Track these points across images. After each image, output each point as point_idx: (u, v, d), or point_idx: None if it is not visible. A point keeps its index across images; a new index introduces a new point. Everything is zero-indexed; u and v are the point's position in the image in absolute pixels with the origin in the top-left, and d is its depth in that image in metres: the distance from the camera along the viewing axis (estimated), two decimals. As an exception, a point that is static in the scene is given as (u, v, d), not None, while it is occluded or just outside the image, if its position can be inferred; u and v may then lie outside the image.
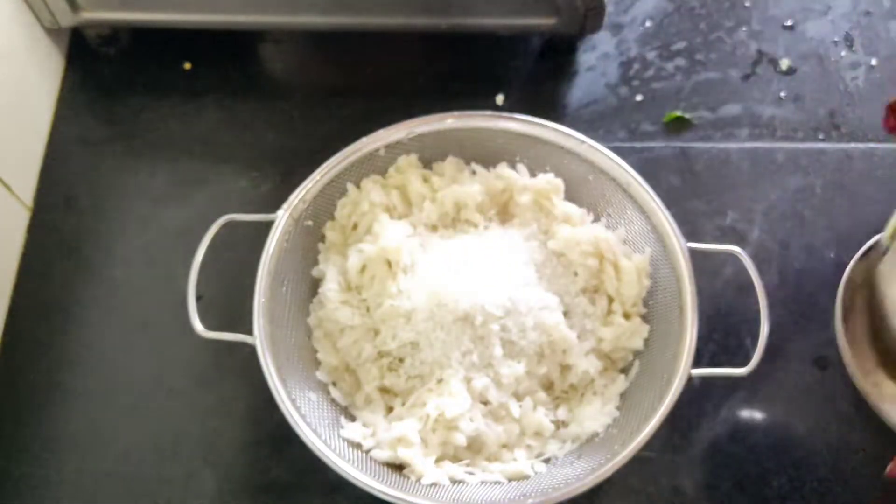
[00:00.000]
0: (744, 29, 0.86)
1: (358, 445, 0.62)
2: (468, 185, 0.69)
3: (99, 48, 0.86)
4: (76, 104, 0.84)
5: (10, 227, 0.76)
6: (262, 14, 0.79)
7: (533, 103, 0.81)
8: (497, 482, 0.61)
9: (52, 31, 0.83)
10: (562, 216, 0.68)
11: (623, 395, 0.64)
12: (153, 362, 0.71)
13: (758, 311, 0.61)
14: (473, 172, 0.71)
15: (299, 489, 0.66)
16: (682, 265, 0.63)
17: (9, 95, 0.76)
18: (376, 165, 0.70)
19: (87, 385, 0.71)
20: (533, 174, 0.70)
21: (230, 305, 0.66)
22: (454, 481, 0.60)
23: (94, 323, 0.73)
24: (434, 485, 0.59)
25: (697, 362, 0.60)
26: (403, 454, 0.60)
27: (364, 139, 0.68)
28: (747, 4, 0.88)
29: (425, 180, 0.70)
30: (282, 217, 0.65)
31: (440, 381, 0.62)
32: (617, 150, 0.67)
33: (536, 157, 0.70)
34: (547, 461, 0.63)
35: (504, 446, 0.63)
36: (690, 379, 0.59)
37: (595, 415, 0.63)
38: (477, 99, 0.81)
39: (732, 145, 0.80)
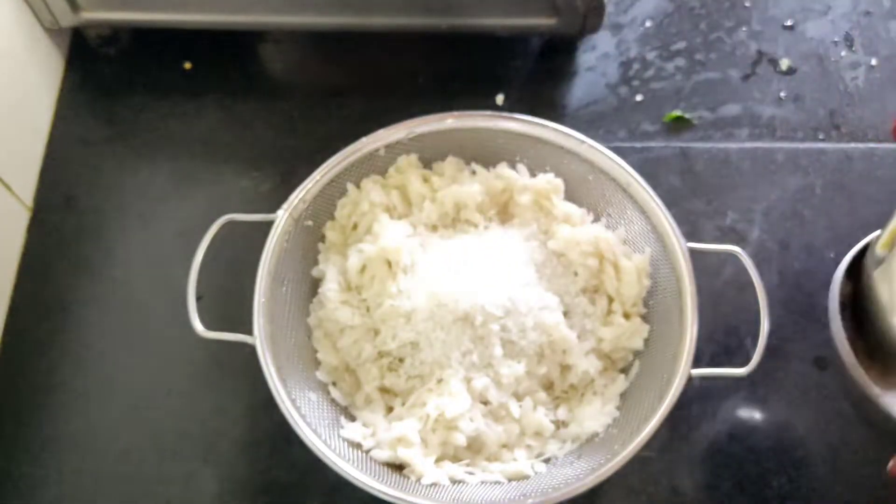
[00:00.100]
0: (744, 29, 0.86)
1: (358, 445, 0.62)
2: (468, 185, 0.69)
3: (99, 48, 0.86)
4: (76, 104, 0.84)
5: (10, 227, 0.76)
6: (262, 14, 0.79)
7: (533, 103, 0.81)
8: (497, 482, 0.61)
9: (52, 31, 0.83)
10: (562, 216, 0.68)
11: (623, 395, 0.64)
12: (153, 362, 0.71)
13: (758, 311, 0.61)
14: (473, 172, 0.71)
15: (299, 489, 0.66)
16: (682, 265, 0.63)
17: (9, 95, 0.76)
18: (376, 165, 0.70)
19: (87, 385, 0.71)
20: (533, 174, 0.70)
21: (230, 305, 0.66)
22: (454, 481, 0.60)
23: (94, 323, 0.73)
24: (434, 485, 0.59)
25: (697, 362, 0.60)
26: (403, 454, 0.60)
27: (364, 139, 0.68)
28: (747, 4, 0.88)
29: (425, 180, 0.70)
30: (282, 217, 0.65)
31: (440, 381, 0.62)
32: (617, 150, 0.67)
33: (536, 157, 0.70)
34: (547, 461, 0.63)
35: (504, 446, 0.63)
36: (690, 379, 0.59)
37: (595, 415, 0.63)
38: (477, 99, 0.81)
39: (732, 145, 0.80)
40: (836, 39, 0.85)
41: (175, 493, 0.67)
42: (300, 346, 0.66)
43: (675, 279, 0.63)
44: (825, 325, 0.70)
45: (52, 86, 0.84)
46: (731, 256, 0.63)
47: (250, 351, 0.61)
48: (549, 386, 0.65)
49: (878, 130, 0.81)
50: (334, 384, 0.66)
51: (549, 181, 0.69)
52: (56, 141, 0.82)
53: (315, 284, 0.69)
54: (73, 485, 0.67)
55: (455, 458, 0.62)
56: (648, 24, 0.87)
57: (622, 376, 0.65)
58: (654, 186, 0.66)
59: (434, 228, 0.69)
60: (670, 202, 0.65)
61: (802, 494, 0.65)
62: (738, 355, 0.70)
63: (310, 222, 0.68)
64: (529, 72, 0.84)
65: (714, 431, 0.67)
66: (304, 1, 0.78)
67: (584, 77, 0.84)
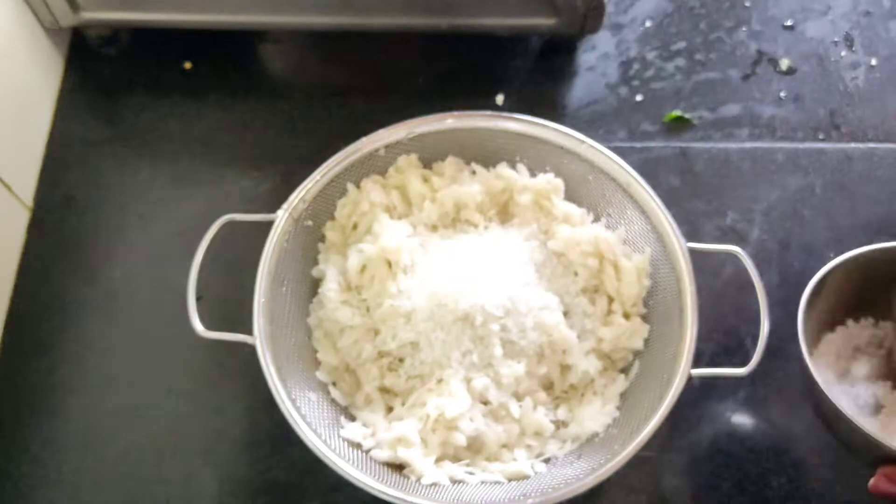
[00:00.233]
0: (744, 29, 0.86)
1: (358, 445, 0.61)
2: (468, 185, 0.69)
3: (99, 48, 0.86)
4: (76, 104, 0.84)
5: (10, 227, 0.76)
6: (262, 14, 0.79)
7: (533, 103, 0.81)
8: (497, 482, 0.61)
9: (52, 31, 0.83)
10: (562, 216, 0.68)
11: (623, 395, 0.64)
12: (153, 362, 0.71)
13: (758, 311, 0.61)
14: (473, 172, 0.71)
15: (299, 489, 0.66)
16: (682, 265, 0.63)
17: (9, 95, 0.76)
18: (376, 165, 0.70)
19: (87, 385, 0.71)
20: (533, 174, 0.70)
21: (230, 305, 0.66)
22: (454, 481, 0.60)
23: (94, 323, 0.73)
24: (434, 485, 0.59)
25: (697, 362, 0.60)
26: (403, 454, 0.60)
27: (364, 139, 0.68)
28: (747, 4, 0.88)
29: (425, 180, 0.70)
30: (282, 217, 0.65)
31: (440, 381, 0.62)
32: (617, 150, 0.67)
33: (536, 157, 0.70)
34: (547, 461, 0.63)
35: (504, 446, 0.63)
36: (690, 379, 0.59)
37: (595, 415, 0.63)
38: (477, 99, 0.81)
39: (732, 145, 0.80)
40: (836, 39, 0.86)
41: (175, 493, 0.67)
42: (300, 346, 0.66)
43: (675, 279, 0.63)
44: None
45: (52, 86, 0.84)
46: (731, 256, 0.63)
47: (250, 351, 0.61)
48: (549, 386, 0.65)
49: (878, 130, 0.81)
50: (334, 384, 0.66)
51: (549, 181, 0.69)
52: (56, 141, 0.82)
53: (315, 284, 0.69)
54: (73, 485, 0.67)
55: (455, 458, 0.62)
56: (648, 24, 0.87)
57: (622, 376, 0.65)
58: (654, 186, 0.66)
59: (434, 228, 0.69)
60: (670, 202, 0.65)
61: (802, 494, 0.65)
62: (738, 355, 0.70)
63: (310, 222, 0.68)
64: (529, 72, 0.84)
65: (714, 431, 0.67)
66: (304, 1, 0.78)
67: (584, 77, 0.84)
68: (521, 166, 0.70)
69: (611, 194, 0.68)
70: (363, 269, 0.67)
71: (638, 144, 0.80)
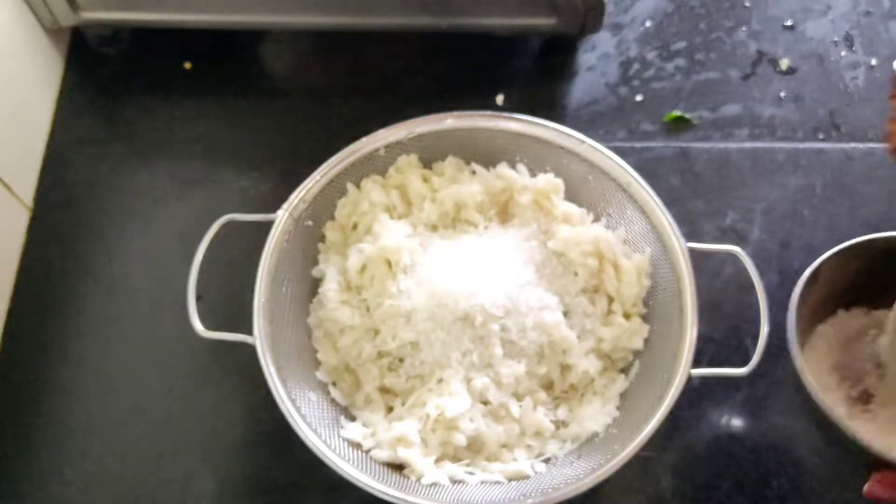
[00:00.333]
0: (744, 29, 0.86)
1: (358, 445, 0.61)
2: (468, 185, 0.69)
3: (99, 48, 0.86)
4: (76, 104, 0.84)
5: (10, 227, 0.76)
6: (262, 14, 0.79)
7: (533, 103, 0.81)
8: (497, 482, 0.61)
9: (52, 31, 0.83)
10: (562, 216, 0.68)
11: (623, 395, 0.64)
12: (153, 362, 0.71)
13: (758, 311, 0.61)
14: (473, 172, 0.71)
15: (299, 489, 0.66)
16: (682, 265, 0.63)
17: (9, 95, 0.76)
18: (376, 165, 0.70)
19: (87, 385, 0.71)
20: (533, 174, 0.70)
21: (230, 305, 0.66)
22: (454, 481, 0.60)
23: (94, 323, 0.73)
24: (434, 485, 0.59)
25: (697, 362, 0.60)
26: (403, 454, 0.60)
27: (364, 139, 0.68)
28: (747, 4, 0.88)
29: (425, 180, 0.70)
30: (282, 217, 0.65)
31: (440, 381, 0.62)
32: (617, 150, 0.67)
33: (536, 157, 0.70)
34: (547, 461, 0.63)
35: (504, 446, 0.63)
36: (690, 379, 0.59)
37: (595, 415, 0.63)
38: (477, 99, 0.81)
39: (732, 145, 0.80)
40: (836, 39, 0.85)
41: (175, 492, 0.67)
42: (300, 346, 0.66)
43: (675, 279, 0.63)
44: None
45: (52, 86, 0.84)
46: (731, 256, 0.63)
47: (250, 351, 0.61)
48: (549, 386, 0.65)
49: (878, 130, 0.81)
50: (334, 384, 0.66)
51: (549, 181, 0.69)
52: (56, 141, 0.82)
53: (315, 284, 0.69)
54: (73, 485, 0.67)
55: (455, 458, 0.62)
56: (648, 24, 0.87)
57: (622, 376, 0.65)
58: (654, 186, 0.66)
59: (434, 228, 0.69)
60: (670, 202, 0.65)
61: (802, 494, 0.65)
62: (737, 355, 0.70)
63: (310, 222, 0.68)
64: (529, 72, 0.85)
65: (714, 431, 0.67)
66: (304, 1, 0.78)
67: (584, 77, 0.84)
68: (521, 166, 0.70)
69: (611, 194, 0.68)
70: (363, 269, 0.67)
71: (638, 144, 0.80)
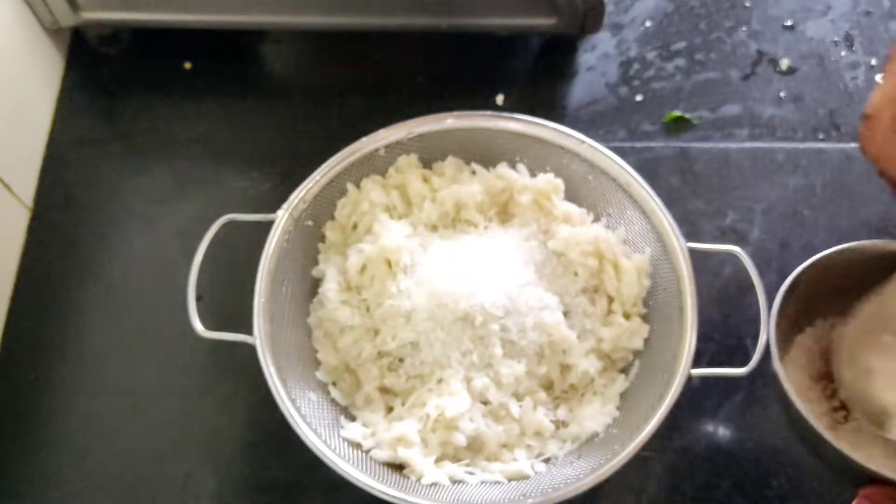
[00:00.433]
0: (744, 29, 0.86)
1: (358, 445, 0.61)
2: (468, 185, 0.69)
3: (99, 48, 0.86)
4: (76, 104, 0.84)
5: (10, 227, 0.76)
6: (262, 14, 0.79)
7: (533, 103, 0.81)
8: (497, 482, 0.61)
9: (52, 31, 0.83)
10: (562, 216, 0.68)
11: (623, 395, 0.64)
12: (153, 362, 0.71)
13: (758, 311, 0.61)
14: (473, 172, 0.71)
15: (299, 489, 0.66)
16: (682, 265, 0.63)
17: (9, 95, 0.76)
18: (376, 165, 0.70)
19: (87, 385, 0.71)
20: (533, 174, 0.70)
21: (230, 305, 0.66)
22: (454, 481, 0.60)
23: (94, 323, 0.73)
24: (434, 485, 0.59)
25: (697, 362, 0.60)
26: (403, 454, 0.60)
27: (364, 139, 0.68)
28: (747, 4, 0.88)
29: (425, 180, 0.70)
30: (282, 217, 0.65)
31: (440, 381, 0.62)
32: (617, 150, 0.67)
33: (536, 157, 0.70)
34: (547, 461, 0.63)
35: (504, 446, 0.63)
36: (690, 379, 0.59)
37: (595, 415, 0.63)
38: (477, 99, 0.81)
39: (732, 145, 0.80)
40: (836, 39, 0.85)
41: (175, 492, 0.67)
42: (300, 346, 0.66)
43: (675, 279, 0.63)
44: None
45: (52, 86, 0.84)
46: (731, 256, 0.63)
47: (250, 351, 0.61)
48: (549, 386, 0.65)
49: (878, 130, 0.80)
50: (334, 384, 0.66)
51: (549, 181, 0.69)
52: (56, 141, 0.82)
53: (315, 284, 0.69)
54: (72, 485, 0.67)
55: (455, 458, 0.62)
56: (648, 24, 0.87)
57: (622, 376, 0.65)
58: (654, 186, 0.66)
59: (434, 228, 0.69)
60: (670, 202, 0.65)
61: (802, 494, 0.65)
62: (738, 355, 0.70)
63: (310, 222, 0.68)
64: (529, 72, 0.85)
65: (714, 431, 0.67)
66: (305, 1, 0.78)
67: (584, 77, 0.84)
68: (521, 166, 0.70)
69: (611, 194, 0.68)
70: (363, 269, 0.67)
71: (638, 144, 0.80)
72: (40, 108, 0.82)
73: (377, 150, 0.69)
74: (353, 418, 0.64)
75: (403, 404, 0.64)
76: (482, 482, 0.60)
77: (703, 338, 0.62)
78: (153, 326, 0.73)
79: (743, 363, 0.60)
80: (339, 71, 0.85)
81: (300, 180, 0.66)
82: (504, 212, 0.71)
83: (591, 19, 0.78)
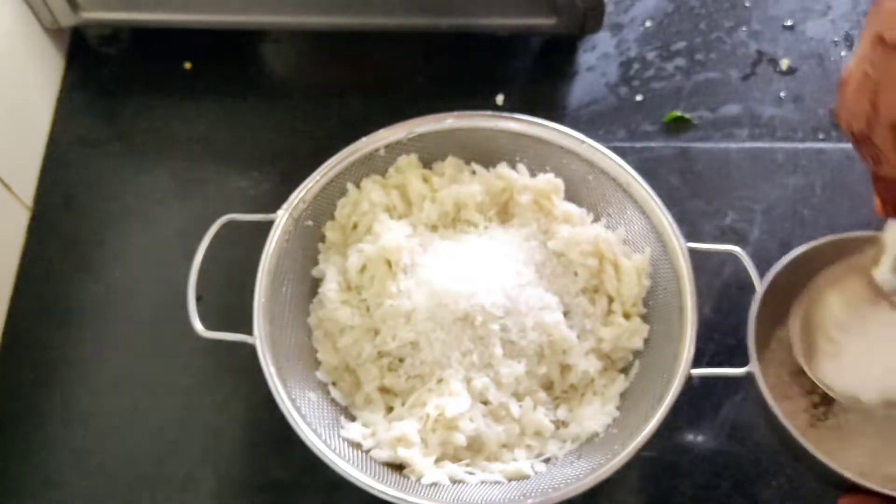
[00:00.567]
0: (744, 29, 0.86)
1: (358, 445, 0.61)
2: (468, 185, 0.69)
3: (99, 48, 0.86)
4: (76, 104, 0.84)
5: (10, 227, 0.76)
6: (262, 14, 0.79)
7: (533, 103, 0.81)
8: (497, 482, 0.61)
9: (52, 31, 0.83)
10: (562, 216, 0.68)
11: (623, 395, 0.64)
12: (153, 362, 0.71)
13: (758, 311, 0.61)
14: (473, 172, 0.71)
15: (299, 489, 0.66)
16: (682, 265, 0.63)
17: (9, 95, 0.76)
18: (376, 165, 0.70)
19: (87, 385, 0.71)
20: (533, 174, 0.70)
21: (230, 305, 0.66)
22: (454, 481, 0.60)
23: (94, 323, 0.73)
24: (434, 485, 0.59)
25: (697, 362, 0.60)
26: (403, 454, 0.60)
27: (364, 139, 0.68)
28: (747, 4, 0.88)
29: (425, 180, 0.70)
30: (282, 217, 0.65)
31: (440, 381, 0.62)
32: (617, 150, 0.67)
33: (536, 157, 0.70)
34: (547, 461, 0.63)
35: (504, 446, 0.63)
36: (690, 379, 0.59)
37: (595, 415, 0.63)
38: (477, 99, 0.81)
39: (732, 145, 0.80)
40: (836, 39, 0.85)
41: (175, 492, 0.67)
42: (300, 346, 0.66)
43: (675, 279, 0.63)
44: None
45: (52, 86, 0.84)
46: (731, 256, 0.63)
47: (250, 351, 0.61)
48: (549, 386, 0.65)
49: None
50: (334, 384, 0.66)
51: (549, 181, 0.69)
52: (56, 141, 0.82)
53: (315, 284, 0.69)
54: (73, 485, 0.67)
55: (455, 458, 0.62)
56: (648, 24, 0.87)
57: (622, 376, 0.65)
58: (654, 186, 0.66)
59: (434, 228, 0.69)
60: (670, 202, 0.65)
61: (802, 495, 0.65)
62: (738, 355, 0.70)
63: (310, 222, 0.68)
64: (529, 72, 0.84)
65: (714, 431, 0.67)
66: (305, 1, 0.78)
67: (584, 77, 0.84)
68: (521, 166, 0.70)
69: (611, 194, 0.68)
70: (363, 269, 0.67)
71: (638, 144, 0.80)
72: (40, 108, 0.82)
73: (377, 150, 0.69)
74: (353, 418, 0.64)
75: (403, 404, 0.64)
76: (482, 482, 0.60)
77: (703, 338, 0.62)
78: (153, 326, 0.73)
79: (743, 363, 0.60)
80: (339, 71, 0.85)
81: (300, 180, 0.66)
82: (504, 212, 0.71)
83: (591, 19, 0.78)
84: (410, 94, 0.83)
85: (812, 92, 0.83)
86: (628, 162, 0.67)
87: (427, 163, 0.71)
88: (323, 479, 0.64)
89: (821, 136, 0.80)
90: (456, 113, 0.69)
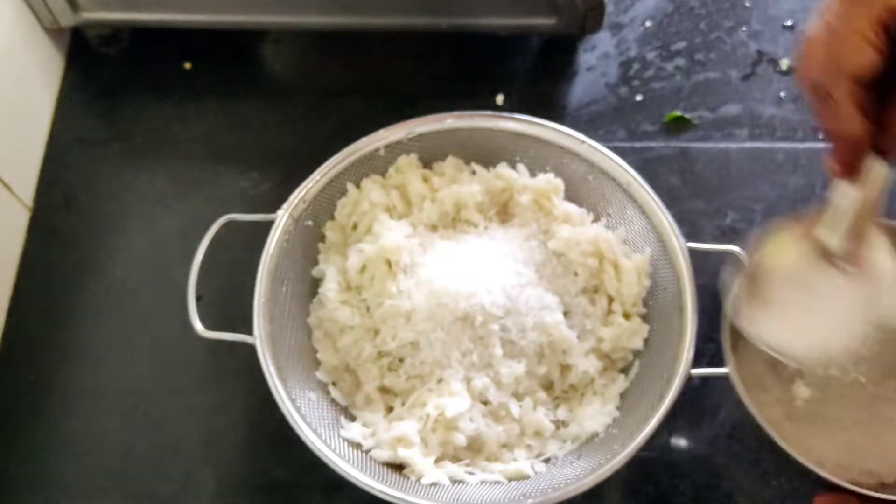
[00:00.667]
0: (744, 29, 0.86)
1: (358, 445, 0.62)
2: (468, 185, 0.69)
3: (99, 48, 0.86)
4: (76, 104, 0.84)
5: (10, 227, 0.76)
6: (262, 14, 0.79)
7: (533, 103, 0.81)
8: (497, 482, 0.61)
9: (52, 31, 0.83)
10: (562, 216, 0.68)
11: (623, 395, 0.64)
12: (153, 362, 0.71)
13: (758, 311, 0.61)
14: (473, 172, 0.71)
15: (299, 489, 0.66)
16: (682, 265, 0.63)
17: (9, 95, 0.76)
18: (376, 165, 0.70)
19: (87, 385, 0.71)
20: (533, 174, 0.70)
21: (230, 305, 0.66)
22: (454, 481, 0.60)
23: (94, 323, 0.73)
24: (434, 485, 0.59)
25: (697, 362, 0.60)
26: (403, 454, 0.60)
27: (364, 139, 0.68)
28: (747, 4, 0.88)
29: (425, 180, 0.70)
30: (282, 217, 0.65)
31: (440, 381, 0.62)
32: (617, 150, 0.67)
33: (536, 157, 0.70)
34: (547, 461, 0.63)
35: (504, 446, 0.63)
36: (690, 379, 0.59)
37: (595, 415, 0.63)
38: (477, 99, 0.81)
39: (732, 145, 0.80)
40: (836, 39, 0.85)
41: (175, 492, 0.67)
42: (300, 346, 0.66)
43: (675, 279, 0.63)
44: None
45: (52, 86, 0.84)
46: (732, 256, 0.63)
47: (250, 351, 0.61)
48: (549, 386, 0.65)
49: (877, 130, 0.80)
50: (334, 384, 0.66)
51: (549, 181, 0.69)
52: (56, 141, 0.82)
53: (315, 284, 0.69)
54: (73, 485, 0.67)
55: (455, 458, 0.62)
56: (648, 24, 0.87)
57: (622, 376, 0.65)
58: (654, 186, 0.66)
59: (434, 228, 0.69)
60: (670, 202, 0.65)
61: (802, 495, 0.65)
62: (738, 355, 0.70)
63: (310, 222, 0.68)
64: (529, 72, 0.84)
65: (714, 431, 0.67)
66: (305, 1, 0.78)
67: (584, 77, 0.84)
68: (521, 166, 0.70)
69: (611, 194, 0.68)
70: (363, 269, 0.67)
71: (638, 144, 0.80)
72: (40, 108, 0.82)
73: (377, 150, 0.69)
74: (353, 418, 0.64)
75: (403, 404, 0.64)
76: (482, 482, 0.60)
77: (703, 338, 0.62)
78: (153, 326, 0.73)
79: (743, 363, 0.60)
80: (339, 71, 0.85)
81: (300, 180, 0.66)
82: (504, 212, 0.71)
83: (591, 19, 0.78)
84: (410, 94, 0.83)
85: (812, 92, 0.83)
86: (628, 162, 0.67)
87: (427, 163, 0.71)
88: (323, 479, 0.64)
89: (821, 136, 0.80)
90: (456, 113, 0.69)
